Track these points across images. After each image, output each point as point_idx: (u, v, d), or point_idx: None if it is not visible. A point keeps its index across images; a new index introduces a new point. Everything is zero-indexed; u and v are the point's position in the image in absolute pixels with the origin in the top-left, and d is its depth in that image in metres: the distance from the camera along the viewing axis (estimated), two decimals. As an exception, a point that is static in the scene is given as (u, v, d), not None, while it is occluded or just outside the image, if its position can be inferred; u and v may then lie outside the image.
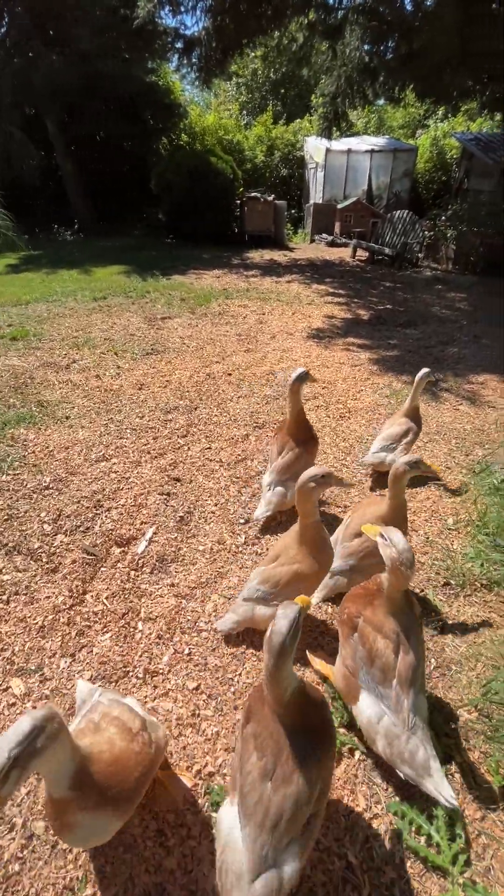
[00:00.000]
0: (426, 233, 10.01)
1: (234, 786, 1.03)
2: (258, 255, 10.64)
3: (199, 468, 2.81)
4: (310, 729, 1.02)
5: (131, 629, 1.76)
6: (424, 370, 2.63)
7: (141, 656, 1.65)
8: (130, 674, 1.60)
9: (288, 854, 0.94)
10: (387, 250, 9.77)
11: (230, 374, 4.33)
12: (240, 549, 2.19)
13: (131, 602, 1.87)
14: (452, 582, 2.02)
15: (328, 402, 3.87)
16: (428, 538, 2.27)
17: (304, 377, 2.27)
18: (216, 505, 2.48)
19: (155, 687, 1.55)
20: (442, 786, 1.14)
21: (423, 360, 4.99)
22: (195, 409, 3.63)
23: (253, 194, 11.38)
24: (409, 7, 8.31)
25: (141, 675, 1.59)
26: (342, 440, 3.28)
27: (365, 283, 8.61)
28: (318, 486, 1.54)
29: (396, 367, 4.76)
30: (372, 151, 13.65)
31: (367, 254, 10.52)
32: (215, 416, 3.54)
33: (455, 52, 7.93)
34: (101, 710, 1.08)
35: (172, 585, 1.96)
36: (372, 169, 13.77)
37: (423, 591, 2.00)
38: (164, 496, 2.50)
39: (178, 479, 2.67)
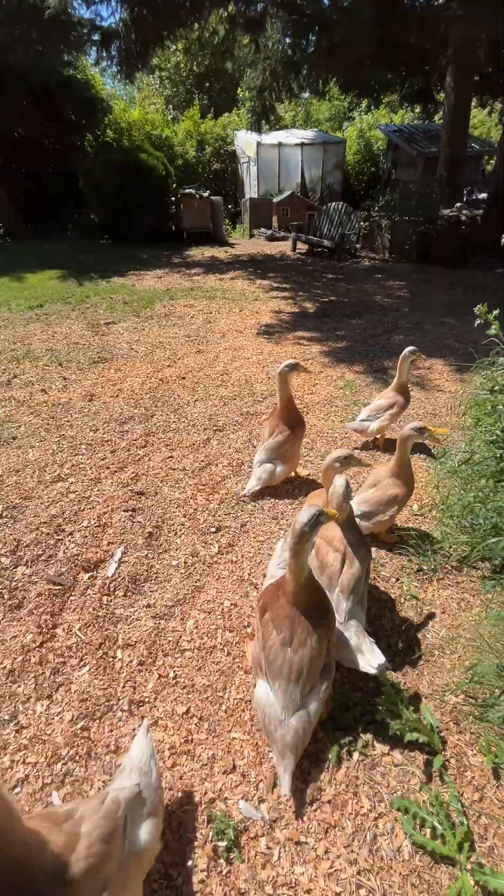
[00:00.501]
0: (362, 224, 10.25)
1: (258, 665, 1.36)
2: (199, 253, 10.49)
3: (162, 479, 2.72)
4: (314, 606, 1.34)
5: (110, 659, 1.67)
6: (408, 349, 2.90)
7: (124, 687, 1.57)
8: (115, 707, 1.51)
9: (311, 697, 1.28)
10: (326, 242, 9.93)
11: (184, 378, 4.24)
12: (214, 559, 2.13)
13: (107, 630, 1.78)
14: (425, 567, 2.08)
15: (286, 399, 3.87)
16: (396, 526, 2.32)
17: (293, 367, 2.49)
18: (185, 516, 2.41)
19: (142, 717, 1.48)
20: (372, 657, 1.41)
21: (372, 350, 5.12)
22: (151, 416, 3.52)
23: (188, 191, 11.19)
24: (326, 1, 8.40)
25: (126, 707, 1.51)
26: (306, 435, 3.29)
27: (308, 275, 8.71)
28: (342, 466, 1.78)
29: (347, 359, 4.84)
30: (302, 144, 13.81)
31: (307, 246, 10.65)
32: (173, 422, 3.44)
33: (374, 46, 8.13)
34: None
35: (149, 606, 1.88)
36: (304, 162, 13.94)
37: (398, 579, 2.04)
38: (130, 512, 2.40)
39: (141, 493, 2.57)
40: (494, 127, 18.03)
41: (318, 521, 1.30)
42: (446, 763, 1.33)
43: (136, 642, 1.72)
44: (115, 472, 2.77)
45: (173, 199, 11.61)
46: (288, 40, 9.71)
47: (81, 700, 1.52)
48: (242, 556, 2.15)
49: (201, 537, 2.27)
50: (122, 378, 4.21)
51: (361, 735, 1.41)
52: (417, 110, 17.72)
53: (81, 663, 1.65)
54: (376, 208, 10.49)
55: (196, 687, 1.58)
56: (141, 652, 1.69)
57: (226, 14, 9.48)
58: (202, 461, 2.92)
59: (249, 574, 2.05)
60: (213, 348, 5.04)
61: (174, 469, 2.82)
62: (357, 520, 1.93)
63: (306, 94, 16.76)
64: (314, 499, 1.92)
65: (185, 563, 2.11)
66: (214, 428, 3.36)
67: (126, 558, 2.12)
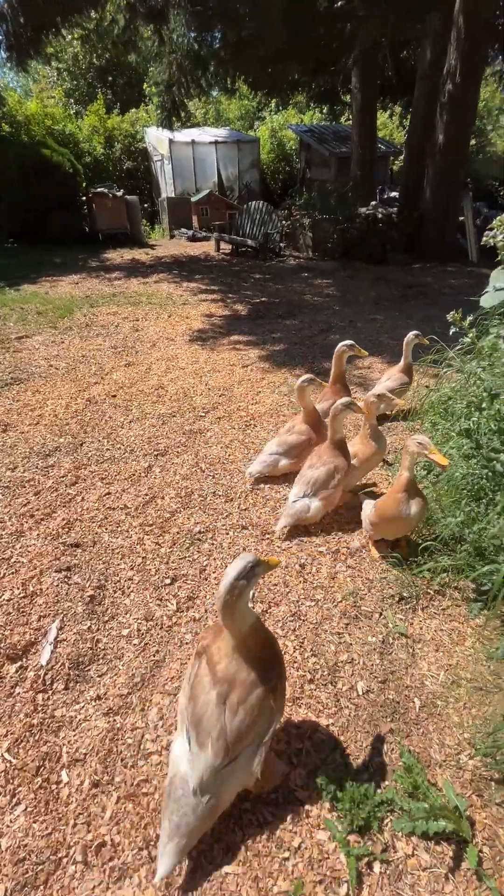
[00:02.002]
0: (284, 223, 10.22)
1: (182, 716, 1.15)
2: (118, 255, 9.87)
3: (100, 523, 2.32)
4: (262, 656, 1.14)
5: (53, 786, 1.29)
6: (412, 333, 3.09)
7: (75, 827, 1.21)
8: (65, 860, 1.15)
9: (242, 758, 1.09)
10: (250, 242, 9.76)
11: (114, 396, 3.81)
12: (173, 620, 1.81)
13: (46, 743, 1.39)
14: (406, 594, 1.90)
15: (230, 412, 3.60)
16: (371, 557, 2.13)
17: (309, 381, 2.47)
18: (132, 568, 2.05)
19: (105, 871, 1.13)
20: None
21: (311, 351, 4.99)
22: (81, 445, 3.07)
23: (99, 189, 10.50)
24: (230, -6, 8.18)
25: (80, 857, 1.15)
26: (254, 452, 3.03)
27: (235, 276, 8.48)
28: (346, 408, 2.12)
29: (287, 362, 4.66)
30: (216, 143, 13.55)
31: (230, 246, 10.42)
32: (107, 450, 3.03)
33: (282, 42, 8.06)
34: None
35: (98, 699, 1.52)
36: (219, 160, 13.70)
37: (381, 613, 1.84)
38: (64, 573, 2.00)
39: (77, 545, 2.16)
40: (396, 129, 18.96)
41: (253, 573, 1.09)
42: (480, 854, 1.13)
43: (85, 755, 1.36)
44: (42, 520, 2.33)
45: (84, 198, 10.85)
46: (193, 34, 9.40)
47: (16, 862, 1.14)
48: (206, 611, 1.85)
49: (155, 593, 1.92)
50: (41, 401, 3.69)
51: (378, 834, 1.18)
52: (325, 111, 18.22)
53: (14, 801, 1.26)
54: (296, 207, 10.51)
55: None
56: (94, 768, 1.33)
57: (125, 2, 8.95)
58: (145, 495, 2.55)
59: (217, 633, 1.75)
60: (145, 360, 4.63)
61: (113, 508, 2.43)
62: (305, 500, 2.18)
63: (216, 92, 16.56)
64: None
65: (139, 630, 1.76)
66: (155, 452, 3.00)
67: (64, 635, 1.73)
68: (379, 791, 1.26)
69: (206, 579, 1.99)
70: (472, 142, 13.86)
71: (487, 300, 2.91)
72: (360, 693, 1.53)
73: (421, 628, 1.77)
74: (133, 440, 3.15)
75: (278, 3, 6.99)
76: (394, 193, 12.39)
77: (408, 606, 1.87)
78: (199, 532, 2.27)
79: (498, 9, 8.12)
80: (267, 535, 2.28)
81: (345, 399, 2.19)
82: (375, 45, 9.19)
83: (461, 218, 9.55)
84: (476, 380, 1.91)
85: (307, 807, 1.24)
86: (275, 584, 1.98)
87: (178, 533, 2.26)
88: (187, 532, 2.27)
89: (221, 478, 2.74)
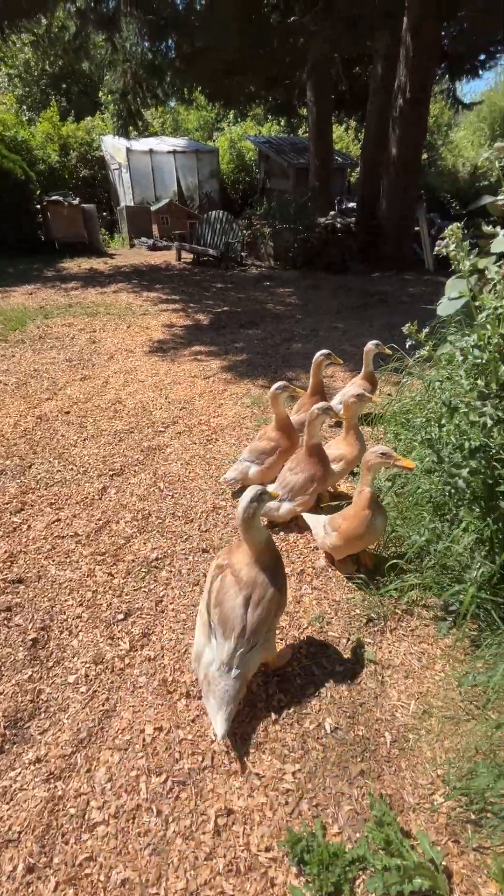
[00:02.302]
0: (245, 232, 10.22)
1: (203, 618, 1.45)
2: (75, 265, 9.59)
3: (47, 554, 2.14)
4: (273, 568, 1.44)
5: (-20, 876, 1.12)
6: (372, 342, 3.02)
7: (4, 926, 1.04)
8: None
9: (253, 653, 1.39)
10: (211, 251, 9.70)
11: (68, 413, 3.60)
12: (126, 661, 1.65)
13: (-27, 822, 1.21)
14: (374, 616, 1.82)
15: (190, 426, 3.47)
16: (339, 576, 2.05)
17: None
18: (81, 604, 1.88)
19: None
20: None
21: (273, 361, 4.93)
22: (29, 467, 2.87)
23: (54, 197, 10.20)
24: (179, 4, 8.16)
25: None
26: (216, 468, 2.92)
27: (196, 285, 8.38)
28: (322, 413, 2.13)
29: (250, 372, 4.58)
30: (175, 152, 13.49)
31: (192, 255, 10.33)
32: (58, 471, 2.84)
33: (237, 56, 8.10)
34: None
35: (38, 762, 1.34)
36: (178, 170, 13.64)
37: (349, 638, 1.75)
38: (3, 614, 1.81)
39: (20, 581, 1.97)
40: (352, 142, 19.49)
41: (261, 498, 1.41)
42: (457, 908, 1.04)
43: (20, 833, 1.19)
44: (-19, 553, 2.13)
45: (39, 206, 10.51)
46: (147, 43, 9.32)
47: None
48: (163, 648, 1.70)
49: (106, 631, 1.76)
50: (-13, 420, 3.45)
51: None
52: (282, 123, 18.52)
53: None
54: (256, 216, 10.55)
55: (111, 888, 1.10)
56: (30, 849, 1.16)
57: (75, 8, 8.78)
58: (99, 520, 2.38)
59: (174, 672, 1.61)
60: (101, 373, 4.44)
61: (63, 537, 2.25)
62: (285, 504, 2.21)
63: (173, 102, 16.53)
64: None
65: (87, 675, 1.59)
66: (111, 472, 2.83)
67: (1, 687, 1.54)
68: (350, 847, 1.15)
69: (163, 612, 1.85)
70: (424, 156, 14.37)
71: (443, 309, 2.93)
72: (329, 731, 1.43)
73: (390, 652, 1.69)
74: (87, 460, 2.96)
75: (231, 15, 7.01)
76: (351, 204, 12.66)
77: (376, 629, 1.79)
78: (157, 559, 2.12)
79: (441, 30, 8.45)
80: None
81: (321, 403, 2.19)
82: (328, 60, 9.38)
83: (416, 228, 9.83)
84: (435, 391, 1.87)
85: (272, 874, 1.12)
86: (237, 612, 1.86)
87: (133, 561, 2.11)
88: (143, 559, 2.12)
89: (181, 497, 2.61)
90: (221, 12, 7.03)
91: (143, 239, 12.28)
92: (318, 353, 2.81)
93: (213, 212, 10.07)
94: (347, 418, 2.36)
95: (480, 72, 12.17)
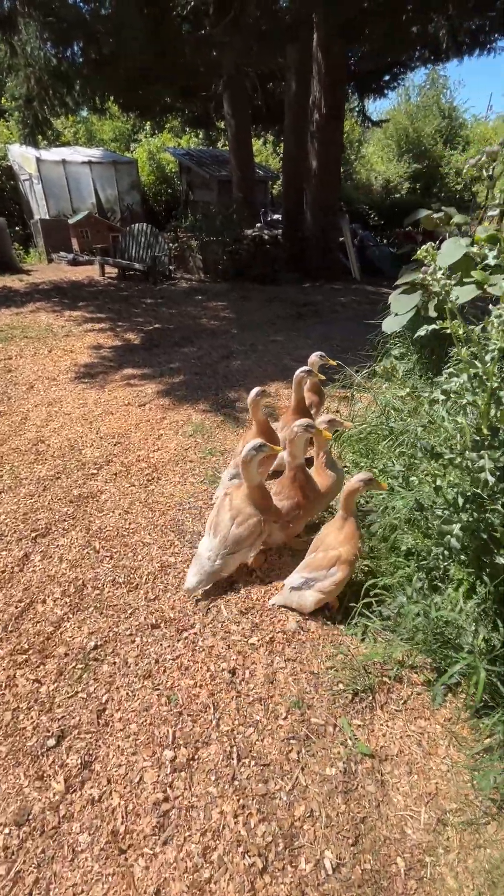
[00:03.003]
0: (171, 245, 9.90)
1: (210, 524, 2.04)
2: (-15, 283, 8.73)
3: (-50, 661, 1.68)
4: (260, 505, 1.96)
5: None
6: (315, 354, 2.81)
7: None
8: None
9: (232, 557, 1.94)
10: (137, 265, 9.27)
11: (-23, 460, 3.07)
12: (61, 811, 1.26)
13: None
14: (359, 689, 1.58)
15: (128, 465, 3.08)
16: (313, 639, 1.79)
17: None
18: (-3, 730, 1.45)
19: None
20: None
21: (213, 381, 4.65)
22: None
23: (-45, 210, 9.26)
24: (83, 6, 7.74)
25: None
26: (160, 514, 2.56)
27: (124, 301, 7.91)
28: (304, 431, 2.05)
29: (189, 396, 4.26)
30: (90, 163, 12.89)
31: (117, 270, 9.81)
32: (-34, 539, 2.34)
33: (148, 65, 7.80)
34: None
35: None
36: (95, 181, 13.03)
37: (336, 724, 1.49)
38: None
39: None
40: (271, 156, 19.86)
41: (260, 449, 1.87)
42: None
43: None
44: None
45: None
46: (52, 49, 8.77)
47: None
48: (110, 781, 1.33)
49: (32, 767, 1.36)
50: None
51: None
52: (201, 136, 18.47)
53: None
54: (182, 229, 10.28)
55: None
56: None
57: (-36, 6, 8.04)
58: (20, 601, 1.94)
59: (127, 818, 1.24)
60: (19, 407, 3.91)
61: (-29, 632, 1.79)
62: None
63: (85, 112, 15.88)
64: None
65: (6, 847, 1.18)
66: (34, 533, 2.38)
67: None
68: None
69: (108, 725, 1.47)
70: (341, 169, 14.91)
71: (389, 326, 2.81)
72: (330, 871, 1.14)
73: (385, 736, 1.44)
74: (2, 519, 2.48)
75: (136, 23, 6.71)
76: (276, 216, 12.77)
77: (363, 704, 1.54)
78: (95, 647, 1.74)
79: (347, 49, 8.73)
80: (185, 631, 1.82)
81: (302, 420, 2.05)
82: (242, 74, 9.37)
83: (341, 239, 10.05)
84: (413, 439, 1.67)
85: None
86: (202, 707, 1.53)
87: (65, 655, 1.70)
88: (79, 650, 1.72)
89: (122, 557, 2.23)
90: (128, 19, 6.71)
91: (63, 254, 11.54)
92: (298, 371, 2.69)
93: (137, 224, 9.65)
94: (320, 444, 2.20)
95: (386, 91, 12.86)
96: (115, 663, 1.68)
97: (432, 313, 2.52)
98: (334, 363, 2.93)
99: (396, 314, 2.69)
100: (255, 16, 6.72)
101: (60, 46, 8.64)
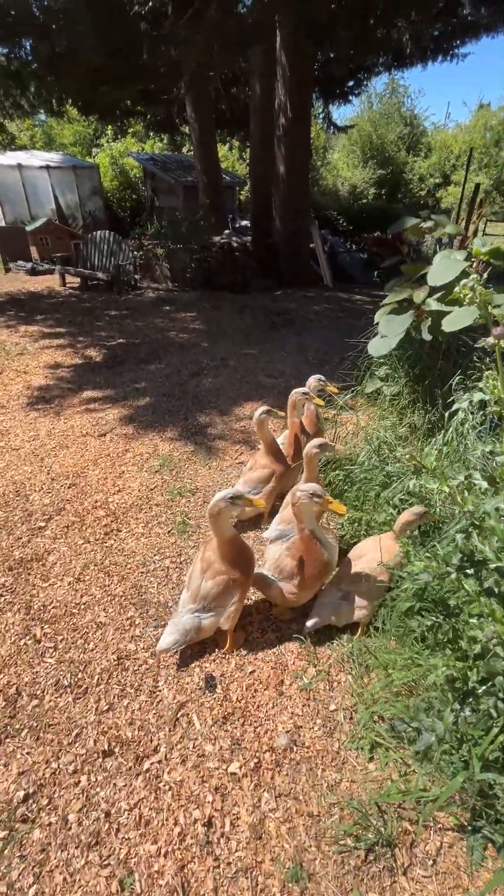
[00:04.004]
0: (136, 253, 9.45)
1: (188, 579, 1.83)
2: None
3: None
4: (234, 560, 1.72)
5: None
6: (313, 378, 2.56)
7: None
8: None
9: (209, 613, 1.73)
10: (100, 274, 8.77)
11: None
12: None
13: None
14: (373, 841, 1.21)
15: (82, 513, 2.64)
16: (310, 758, 1.41)
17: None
18: None
19: None
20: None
21: (183, 403, 4.25)
22: None
23: None
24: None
25: None
26: (119, 581, 2.15)
27: (87, 314, 7.41)
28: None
29: (156, 422, 3.85)
30: (49, 167, 12.31)
31: (79, 280, 9.28)
32: None
33: (105, 64, 7.36)
34: None
35: None
36: (55, 187, 12.46)
37: (341, 882, 1.11)
38: None
39: None
40: (237, 161, 19.63)
41: (234, 502, 1.65)
42: None
43: None
44: None
45: None
46: (3, 48, 8.23)
47: None
48: None
49: None
50: None
51: None
52: (165, 140, 18.06)
53: None
54: (147, 236, 9.84)
55: None
56: None
57: None
58: None
59: None
60: (-42, 443, 3.41)
61: None
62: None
63: (43, 115, 15.25)
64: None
65: None
66: (-41, 617, 1.92)
67: None
68: None
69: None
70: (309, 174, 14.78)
71: (375, 349, 2.49)
72: None
73: (413, 919, 1.08)
74: None
75: (87, 18, 6.28)
76: (245, 222, 12.49)
77: (381, 866, 1.17)
78: (26, 798, 1.31)
79: (316, 52, 8.52)
80: (147, 760, 1.41)
81: (307, 486, 1.75)
82: (204, 76, 9.05)
83: (311, 245, 9.82)
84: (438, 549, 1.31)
85: None
86: (167, 891, 1.13)
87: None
88: (2, 808, 1.29)
89: (69, 647, 1.80)
90: (79, 14, 6.27)
91: (21, 263, 10.90)
92: (294, 391, 2.51)
93: (99, 232, 9.15)
94: (309, 471, 2.02)
95: (350, 97, 12.79)
96: (50, 825, 1.25)
97: (426, 336, 2.22)
98: (336, 390, 2.58)
99: (384, 336, 2.36)
100: (216, 16, 6.41)
101: (10, 44, 8.11)
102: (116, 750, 1.44)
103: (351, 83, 12.15)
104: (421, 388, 2.60)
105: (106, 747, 1.44)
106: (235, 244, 9.37)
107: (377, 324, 2.51)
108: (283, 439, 2.71)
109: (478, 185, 8.19)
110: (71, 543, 2.40)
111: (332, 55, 9.79)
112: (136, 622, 1.92)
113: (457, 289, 1.01)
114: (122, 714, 1.55)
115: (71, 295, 8.79)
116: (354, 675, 1.64)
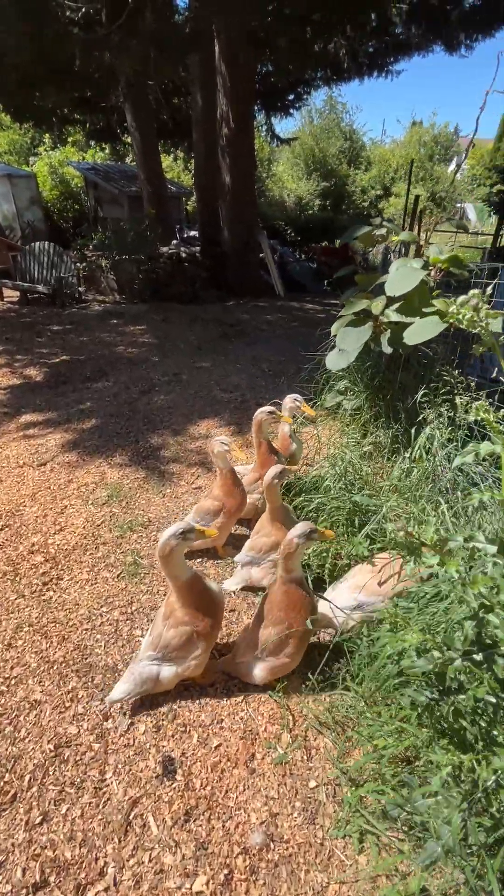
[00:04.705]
0: (79, 265, 9.02)
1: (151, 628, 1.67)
2: None
3: None
4: (193, 606, 1.54)
5: None
6: (289, 397, 2.39)
7: None
8: None
9: (166, 664, 1.56)
10: (41, 287, 8.28)
11: None
12: None
13: None
14: None
15: (16, 560, 2.30)
16: (290, 856, 1.19)
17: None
18: None
19: None
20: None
21: (133, 424, 3.95)
22: None
23: None
24: None
25: None
26: (59, 643, 1.84)
27: (26, 329, 6.92)
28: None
29: (103, 446, 3.53)
30: (-20, 176, 11.61)
31: (18, 293, 8.73)
32: None
33: (31, 65, 6.98)
34: None
35: None
36: (-12, 196, 11.77)
37: None
38: None
39: None
40: (182, 172, 19.50)
41: (184, 537, 1.48)
42: None
43: None
44: None
45: None
46: None
47: None
48: None
49: None
50: None
51: None
52: (107, 150, 17.63)
53: None
54: (90, 248, 9.44)
55: None
56: None
57: None
58: None
59: None
60: None
61: None
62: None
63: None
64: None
65: None
66: None
67: None
68: None
69: None
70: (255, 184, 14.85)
71: (333, 363, 2.34)
72: None
73: None
74: None
75: (13, 16, 5.91)
76: (193, 232, 12.31)
77: None
78: None
79: (255, 62, 8.52)
80: (90, 886, 1.13)
81: (301, 527, 1.57)
82: (143, 84, 8.83)
83: (261, 255, 9.77)
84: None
85: None
86: None
87: None
88: None
89: (-6, 739, 1.48)
90: (4, 11, 5.88)
91: (-47, 276, 10.15)
92: (258, 411, 2.31)
93: (38, 243, 8.66)
94: (271, 500, 1.93)
95: (291, 110, 12.98)
96: None
97: (386, 349, 2.09)
98: (312, 413, 2.39)
99: (342, 349, 2.21)
100: (150, 25, 6.22)
101: None
102: (52, 879, 1.15)
103: (291, 96, 12.34)
104: (382, 402, 2.48)
105: (38, 877, 1.15)
106: (184, 254, 9.16)
107: (334, 336, 2.36)
108: (242, 468, 2.48)
109: (417, 197, 8.43)
110: (1, 600, 2.06)
111: (271, 67, 9.84)
112: (80, 695, 1.63)
113: (452, 308, 0.84)
114: (60, 826, 1.26)
115: (9, 310, 8.24)
116: (334, 740, 1.44)
